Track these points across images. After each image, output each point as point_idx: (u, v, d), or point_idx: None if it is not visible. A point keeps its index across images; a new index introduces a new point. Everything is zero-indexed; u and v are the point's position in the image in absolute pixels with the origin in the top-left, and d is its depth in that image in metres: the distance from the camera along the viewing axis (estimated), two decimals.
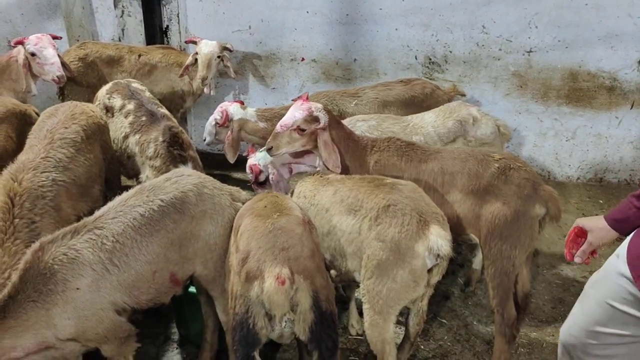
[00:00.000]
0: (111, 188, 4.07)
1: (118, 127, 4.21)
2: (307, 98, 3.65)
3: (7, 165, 3.67)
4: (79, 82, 5.04)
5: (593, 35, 5.15)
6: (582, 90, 5.42)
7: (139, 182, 4.18)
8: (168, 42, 5.77)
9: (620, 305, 2.31)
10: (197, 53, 5.10)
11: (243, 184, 3.59)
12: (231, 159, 4.76)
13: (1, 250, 2.94)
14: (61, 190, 3.34)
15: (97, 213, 2.90)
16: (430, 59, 5.56)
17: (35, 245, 2.70)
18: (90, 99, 4.82)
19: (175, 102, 5.21)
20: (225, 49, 5.25)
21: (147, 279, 2.84)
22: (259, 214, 2.80)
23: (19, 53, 4.67)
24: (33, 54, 4.62)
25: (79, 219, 3.48)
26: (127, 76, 5.08)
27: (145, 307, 2.94)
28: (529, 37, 5.27)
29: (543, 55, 5.33)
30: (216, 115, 4.73)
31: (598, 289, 2.44)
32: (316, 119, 3.38)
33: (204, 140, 4.84)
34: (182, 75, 5.19)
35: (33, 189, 3.18)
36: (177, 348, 3.85)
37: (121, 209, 2.86)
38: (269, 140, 3.52)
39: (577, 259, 2.57)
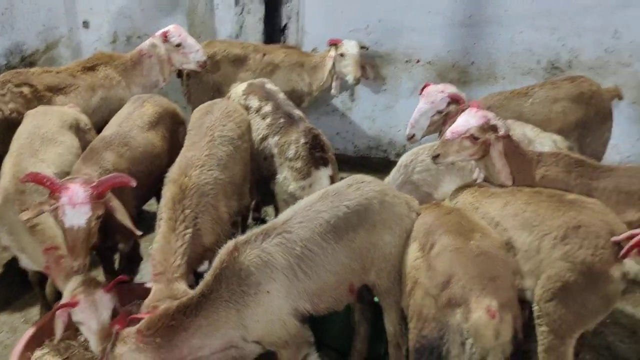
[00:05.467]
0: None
1: (255, 128, 4.23)
2: (479, 105, 3.55)
3: (162, 163, 3.78)
4: (205, 80, 5.10)
5: None
6: None
7: (272, 183, 4.21)
8: (285, 40, 5.78)
9: None
10: (342, 55, 5.10)
11: None
12: None
13: (174, 234, 3.02)
14: (220, 188, 3.40)
15: (283, 217, 2.91)
16: (552, 64, 5.38)
17: (230, 244, 2.75)
18: (213, 97, 4.86)
19: (293, 102, 5.19)
20: (362, 47, 5.26)
21: (329, 287, 2.84)
22: (458, 231, 2.73)
23: (156, 47, 4.74)
24: (179, 45, 4.71)
25: (230, 217, 3.58)
26: (251, 75, 5.11)
27: (322, 314, 2.93)
28: None
29: None
30: (439, 104, 4.22)
31: None
32: (493, 128, 3.27)
33: (410, 137, 4.36)
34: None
35: (200, 185, 3.28)
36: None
37: (307, 214, 2.86)
38: (436, 147, 3.43)
39: None
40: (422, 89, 4.40)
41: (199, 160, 3.41)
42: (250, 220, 4.99)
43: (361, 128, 6.15)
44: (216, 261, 2.72)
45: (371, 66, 5.64)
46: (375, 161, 6.08)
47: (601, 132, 4.60)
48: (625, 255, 2.69)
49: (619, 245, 2.74)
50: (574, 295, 2.76)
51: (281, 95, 4.42)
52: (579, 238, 2.78)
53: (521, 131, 3.89)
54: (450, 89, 4.34)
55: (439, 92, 4.26)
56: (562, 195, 3.03)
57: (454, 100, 4.26)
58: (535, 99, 4.53)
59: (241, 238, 2.80)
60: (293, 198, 3.80)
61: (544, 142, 3.84)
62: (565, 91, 4.54)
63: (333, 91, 5.38)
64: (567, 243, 2.80)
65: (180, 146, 3.71)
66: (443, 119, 4.32)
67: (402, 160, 3.97)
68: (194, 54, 4.73)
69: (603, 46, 5.18)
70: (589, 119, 4.50)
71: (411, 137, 4.36)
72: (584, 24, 5.10)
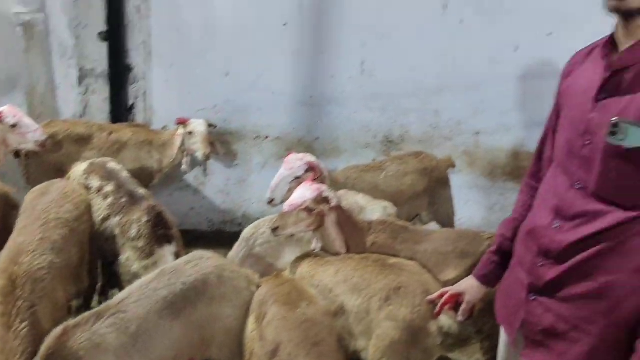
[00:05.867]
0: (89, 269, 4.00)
1: (96, 209, 4.15)
2: (314, 179, 3.83)
3: None
4: (45, 160, 4.92)
5: (531, 119, 5.74)
6: (524, 168, 5.89)
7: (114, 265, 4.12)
8: (133, 119, 5.79)
9: None
10: (190, 133, 5.22)
11: None
12: None
13: (11, 333, 2.83)
14: (56, 273, 3.27)
15: (119, 297, 2.89)
16: (387, 139, 5.93)
17: (59, 330, 2.67)
18: (55, 178, 4.72)
19: (143, 180, 5.17)
20: (210, 125, 5.42)
21: None
22: (286, 301, 2.87)
23: None
24: (14, 125, 4.50)
25: (68, 301, 3.45)
26: (96, 154, 5.01)
27: None
28: (477, 121, 5.79)
29: (489, 137, 5.86)
30: (297, 171, 4.41)
31: None
32: (326, 200, 3.52)
33: (270, 201, 4.50)
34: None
35: (33, 272, 3.11)
36: None
37: (144, 292, 2.86)
38: (275, 220, 3.60)
39: (460, 318, 2.88)
40: (286, 157, 4.69)
41: (30, 245, 3.27)
42: (96, 304, 4.78)
43: (215, 203, 6.24)
44: (42, 348, 2.61)
45: (221, 143, 5.84)
46: (230, 235, 6.09)
47: (445, 198, 5.28)
48: (438, 313, 3.00)
49: (433, 302, 3.05)
50: (399, 352, 3.01)
51: (124, 174, 4.40)
52: (400, 298, 3.06)
53: (353, 200, 4.23)
54: (309, 158, 4.65)
55: (298, 160, 4.55)
56: (385, 260, 3.34)
57: (311, 168, 4.55)
58: (388, 173, 5.08)
59: (71, 322, 2.75)
60: (137, 279, 3.74)
61: (375, 209, 4.23)
62: (412, 166, 5.13)
63: (184, 167, 5.47)
64: (390, 304, 3.07)
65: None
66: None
67: (244, 234, 4.11)
68: (32, 134, 4.54)
69: (427, 123, 5.84)
70: (433, 188, 5.16)
71: (271, 201, 4.54)
72: (409, 105, 5.73)
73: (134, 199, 4.12)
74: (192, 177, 6.14)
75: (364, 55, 5.53)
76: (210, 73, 5.62)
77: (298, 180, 4.45)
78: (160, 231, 3.94)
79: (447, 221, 5.25)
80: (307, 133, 5.93)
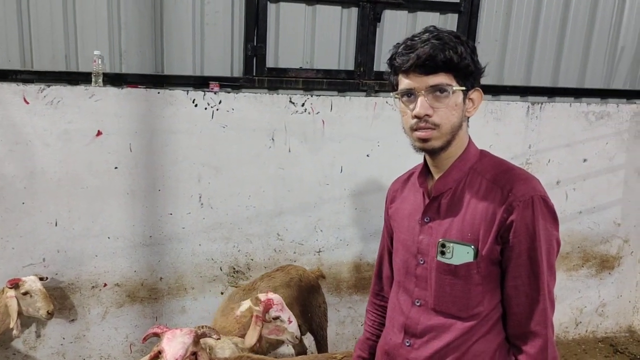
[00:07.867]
0: None
1: None
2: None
3: None
4: None
5: (366, 232, 6.19)
6: (366, 279, 6.30)
7: None
8: None
9: None
10: (26, 293, 4.80)
11: None
12: None
13: None
14: None
15: None
16: (234, 269, 5.92)
17: None
18: None
19: None
20: (41, 279, 4.99)
21: None
22: None
23: None
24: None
25: None
26: None
27: None
28: (317, 240, 6.08)
29: (330, 253, 6.16)
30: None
31: None
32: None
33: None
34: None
35: None
36: None
37: None
38: None
39: None
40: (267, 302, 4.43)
41: None
42: None
43: None
44: None
45: (54, 298, 5.34)
46: None
47: (314, 306, 5.43)
48: None
49: None
50: None
51: None
52: None
53: (202, 340, 4.06)
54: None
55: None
56: None
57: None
58: (258, 292, 5.05)
59: None
60: None
61: (225, 346, 4.10)
62: (279, 280, 5.26)
63: (15, 332, 4.88)
64: None
65: None
66: None
67: None
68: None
69: (271, 247, 5.98)
70: (303, 297, 5.29)
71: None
72: (251, 230, 5.86)
73: None
74: (20, 341, 5.46)
75: (201, 190, 5.63)
76: (35, 224, 5.25)
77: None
78: None
79: (318, 330, 5.40)
80: (149, 275, 5.70)
